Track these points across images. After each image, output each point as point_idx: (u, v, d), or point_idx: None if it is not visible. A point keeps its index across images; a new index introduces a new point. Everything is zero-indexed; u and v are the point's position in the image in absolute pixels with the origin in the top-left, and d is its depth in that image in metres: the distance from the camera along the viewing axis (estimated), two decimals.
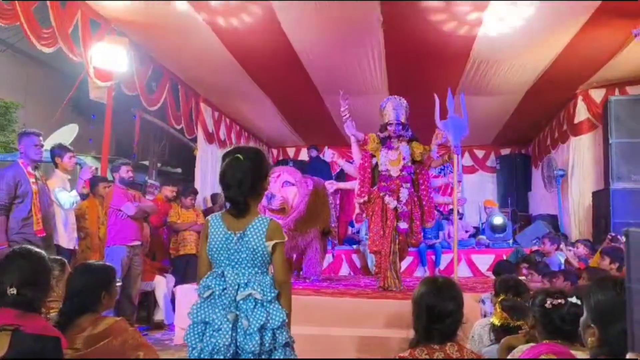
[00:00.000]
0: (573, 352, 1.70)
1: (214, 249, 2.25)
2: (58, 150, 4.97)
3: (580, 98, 7.84)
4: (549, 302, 1.89)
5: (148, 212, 5.76)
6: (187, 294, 4.96)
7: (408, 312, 2.23)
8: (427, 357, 1.94)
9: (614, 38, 5.90)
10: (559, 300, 1.87)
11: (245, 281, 2.20)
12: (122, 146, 9.75)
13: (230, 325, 2.14)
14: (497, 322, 2.92)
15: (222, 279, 2.22)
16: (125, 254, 5.25)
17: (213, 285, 2.22)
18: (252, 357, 2.12)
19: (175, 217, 6.56)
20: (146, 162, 9.87)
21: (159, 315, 5.98)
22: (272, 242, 2.24)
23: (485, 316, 3.54)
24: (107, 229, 5.33)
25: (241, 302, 2.18)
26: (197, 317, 2.22)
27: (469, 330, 3.17)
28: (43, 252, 2.10)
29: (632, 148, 6.97)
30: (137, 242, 5.48)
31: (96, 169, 5.44)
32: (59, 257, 2.93)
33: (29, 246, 2.10)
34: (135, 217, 5.40)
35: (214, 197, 8.08)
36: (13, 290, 1.87)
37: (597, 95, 7.66)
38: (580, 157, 7.98)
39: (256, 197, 2.34)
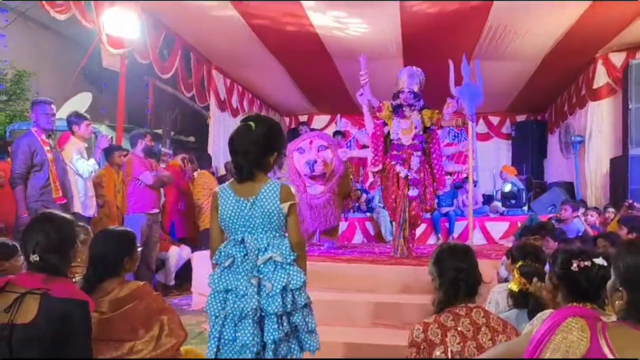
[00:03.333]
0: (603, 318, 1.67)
1: (227, 218, 2.25)
2: (75, 118, 4.97)
3: (600, 62, 7.66)
4: (574, 264, 1.83)
5: (165, 181, 5.79)
6: (204, 260, 5.03)
7: (422, 278, 2.26)
8: (452, 323, 1.94)
9: None
10: (586, 263, 1.82)
11: (265, 245, 2.22)
12: (135, 115, 9.74)
13: (256, 290, 2.16)
14: (515, 287, 2.91)
15: (242, 245, 2.23)
16: (145, 222, 5.30)
17: (234, 252, 2.23)
18: (275, 319, 2.15)
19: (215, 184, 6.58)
20: (159, 131, 9.88)
21: (161, 278, 6.01)
22: (287, 204, 2.25)
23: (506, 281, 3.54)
24: (125, 197, 5.38)
25: (262, 266, 2.21)
26: (218, 286, 2.23)
27: (487, 296, 3.18)
28: (69, 216, 2.11)
29: None
30: (156, 210, 5.53)
31: (111, 137, 5.45)
32: (82, 224, 2.96)
33: (55, 211, 2.10)
34: (154, 186, 5.44)
35: (227, 165, 8.08)
36: (35, 257, 1.88)
37: (618, 59, 7.48)
38: (598, 122, 7.84)
39: (263, 169, 2.30)
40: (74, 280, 2.29)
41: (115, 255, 2.34)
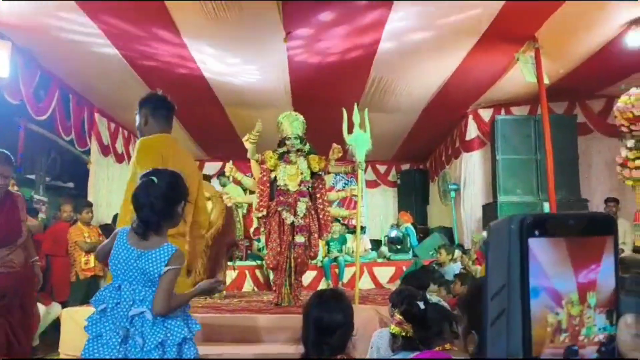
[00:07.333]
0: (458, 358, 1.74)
1: (113, 261, 2.17)
2: None
3: (470, 117, 8.36)
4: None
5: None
6: (73, 318, 4.61)
7: None
8: None
9: (499, 62, 6.36)
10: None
11: (141, 298, 2.12)
12: None
13: (120, 340, 2.05)
14: (395, 331, 2.97)
15: (118, 292, 2.14)
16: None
17: (107, 299, 2.14)
18: None
19: (80, 236, 6.14)
20: (33, 177, 9.13)
21: None
22: (167, 268, 2.12)
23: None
24: None
25: (136, 318, 2.10)
26: (93, 332, 2.12)
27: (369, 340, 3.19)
28: None
29: (517, 164, 7.53)
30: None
31: None
32: None
33: None
34: None
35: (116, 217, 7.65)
36: None
37: (486, 114, 8.21)
38: (471, 172, 8.48)
39: (169, 220, 2.24)
40: None
41: None
